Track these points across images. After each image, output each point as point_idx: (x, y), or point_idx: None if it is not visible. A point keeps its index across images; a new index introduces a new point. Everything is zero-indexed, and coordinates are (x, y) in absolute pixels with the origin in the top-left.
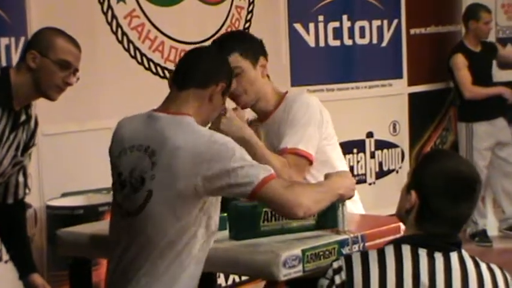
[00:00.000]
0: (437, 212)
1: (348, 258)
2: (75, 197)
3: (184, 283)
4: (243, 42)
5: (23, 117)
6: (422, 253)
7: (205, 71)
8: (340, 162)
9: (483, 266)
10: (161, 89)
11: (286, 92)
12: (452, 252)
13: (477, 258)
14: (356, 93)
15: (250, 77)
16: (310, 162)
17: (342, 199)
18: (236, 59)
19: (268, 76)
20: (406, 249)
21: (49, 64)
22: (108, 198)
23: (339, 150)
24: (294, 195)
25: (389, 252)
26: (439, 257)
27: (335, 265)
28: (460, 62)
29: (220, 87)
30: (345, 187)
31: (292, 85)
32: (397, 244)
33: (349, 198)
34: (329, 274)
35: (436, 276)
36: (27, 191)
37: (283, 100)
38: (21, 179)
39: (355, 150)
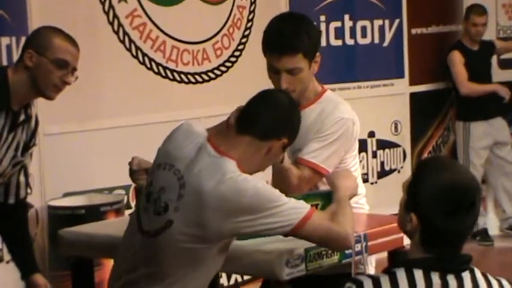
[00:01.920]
0: (442, 233)
1: (360, 285)
2: (76, 197)
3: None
4: (309, 38)
5: (22, 117)
6: (435, 276)
7: (270, 123)
8: (356, 172)
9: (494, 284)
10: (163, 88)
11: (324, 90)
12: (464, 273)
13: (488, 275)
14: (358, 92)
15: (304, 76)
16: (322, 177)
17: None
18: (298, 59)
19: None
20: (418, 273)
21: (46, 63)
22: (110, 198)
23: (357, 159)
24: (340, 227)
25: (402, 276)
26: (451, 279)
27: None
28: (456, 58)
29: (281, 143)
30: (350, 188)
31: None
32: (408, 268)
33: (353, 197)
34: None
35: None
36: (28, 190)
37: (319, 98)
38: (22, 179)
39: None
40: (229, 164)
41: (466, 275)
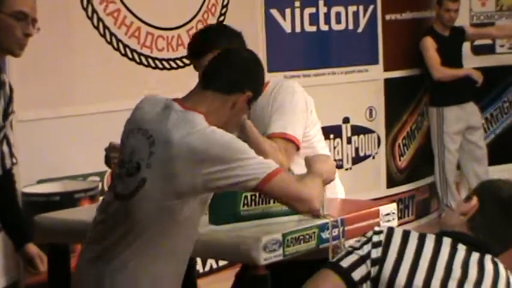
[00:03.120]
0: (491, 223)
1: (389, 234)
2: (51, 184)
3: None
4: (226, 37)
5: None
6: (461, 249)
7: (234, 77)
8: (324, 150)
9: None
10: (137, 75)
11: (268, 81)
12: (487, 255)
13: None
14: (332, 78)
15: None
16: (297, 148)
17: (323, 183)
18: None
19: None
20: (446, 241)
21: (4, 18)
22: (84, 185)
23: (322, 137)
24: (305, 188)
25: (430, 239)
26: (475, 255)
27: (375, 238)
28: (428, 44)
29: (246, 97)
30: (326, 171)
31: (269, 71)
32: (439, 235)
33: (330, 182)
34: (367, 246)
35: (468, 272)
36: (14, 160)
37: (265, 88)
38: (5, 148)
39: (331, 136)
40: (197, 117)
41: (487, 257)
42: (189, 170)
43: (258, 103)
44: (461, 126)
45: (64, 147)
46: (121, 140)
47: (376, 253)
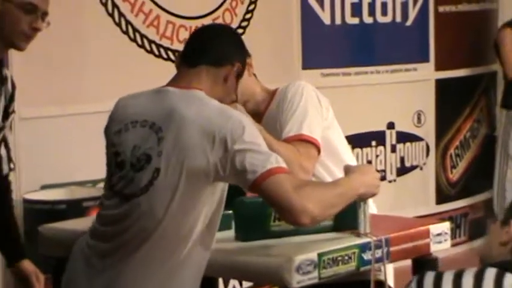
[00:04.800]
0: None
1: (420, 282)
2: (56, 190)
3: (188, 272)
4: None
5: None
6: (509, 277)
7: (221, 49)
8: (347, 155)
9: None
10: (156, 69)
11: (276, 89)
12: None
13: None
14: (376, 78)
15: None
16: (318, 150)
17: (361, 198)
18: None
19: (254, 75)
20: (490, 272)
21: (12, 8)
22: (94, 192)
23: (345, 140)
24: (300, 198)
25: (468, 277)
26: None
27: None
28: (507, 36)
29: (236, 68)
30: (366, 185)
31: (304, 68)
32: (480, 269)
33: (372, 196)
34: None
35: None
36: (11, 165)
37: (274, 97)
38: (3, 152)
39: (373, 143)
40: (199, 93)
41: None
42: (199, 145)
43: (268, 118)
44: None
45: (71, 149)
46: (108, 144)
47: None
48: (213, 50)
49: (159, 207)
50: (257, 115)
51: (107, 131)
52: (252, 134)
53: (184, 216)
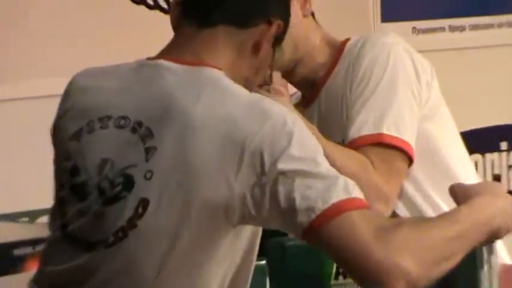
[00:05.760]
0: None
1: None
2: None
3: None
4: None
5: None
6: None
7: None
8: (462, 165)
9: None
10: (137, 21)
11: (346, 41)
12: None
13: None
14: (501, 35)
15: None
16: (410, 161)
17: (490, 240)
18: None
19: (313, 15)
20: None
21: None
22: (30, 231)
23: (459, 140)
24: (387, 250)
25: None
26: None
27: None
28: None
29: (274, 29)
30: (500, 215)
31: (384, 21)
32: None
33: (507, 234)
34: None
35: None
36: None
37: (340, 56)
38: None
39: (503, 145)
40: (216, 73)
41: None
42: (217, 165)
43: (329, 91)
44: None
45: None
46: (57, 153)
47: None
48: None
49: (147, 265)
50: (311, 88)
51: (56, 132)
52: (305, 143)
53: (188, 278)
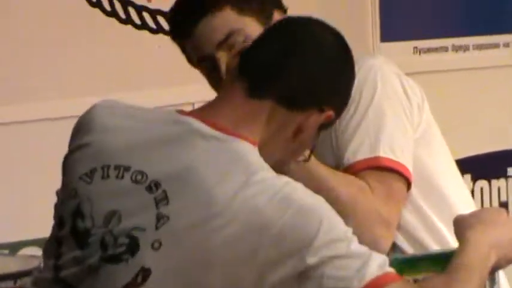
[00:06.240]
0: None
1: None
2: None
3: None
4: None
5: None
6: None
7: (307, 80)
8: (456, 191)
9: None
10: (125, 41)
11: None
12: None
13: None
14: (507, 54)
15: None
16: (408, 184)
17: (494, 269)
18: (228, 18)
19: None
20: None
21: None
22: (14, 264)
23: (452, 164)
24: None
25: None
26: None
27: None
28: None
29: (323, 118)
30: (495, 249)
31: (383, 40)
32: None
33: (509, 264)
34: None
35: None
36: None
37: None
38: None
39: (510, 171)
40: (247, 147)
41: None
42: (242, 256)
43: None
44: None
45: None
46: (70, 189)
47: None
48: (293, 81)
49: None
50: None
51: (66, 165)
52: (338, 225)
53: None
